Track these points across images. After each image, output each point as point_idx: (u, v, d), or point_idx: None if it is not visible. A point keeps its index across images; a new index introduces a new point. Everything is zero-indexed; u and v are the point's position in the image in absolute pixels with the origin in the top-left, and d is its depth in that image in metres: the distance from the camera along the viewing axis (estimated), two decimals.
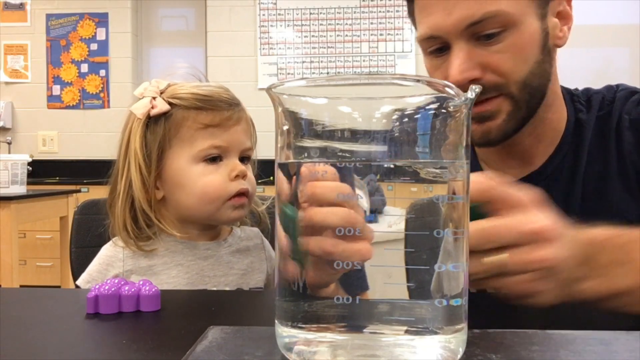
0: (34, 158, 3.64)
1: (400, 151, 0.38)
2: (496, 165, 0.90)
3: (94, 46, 4.03)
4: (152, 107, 0.87)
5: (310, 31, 3.93)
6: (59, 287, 3.07)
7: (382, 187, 0.37)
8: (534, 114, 0.81)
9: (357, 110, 0.39)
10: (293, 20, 3.94)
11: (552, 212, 0.52)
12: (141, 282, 0.63)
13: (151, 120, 0.88)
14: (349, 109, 0.39)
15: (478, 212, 0.49)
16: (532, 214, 0.52)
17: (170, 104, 0.87)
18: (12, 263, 2.46)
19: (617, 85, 0.88)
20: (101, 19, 4.02)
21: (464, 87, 0.39)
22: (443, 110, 0.38)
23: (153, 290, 0.62)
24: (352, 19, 3.86)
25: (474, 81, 0.74)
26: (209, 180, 0.85)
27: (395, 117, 0.38)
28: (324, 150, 0.38)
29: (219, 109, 0.86)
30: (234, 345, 0.42)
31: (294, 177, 0.39)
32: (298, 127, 0.40)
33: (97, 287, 0.61)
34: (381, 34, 3.87)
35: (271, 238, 1.00)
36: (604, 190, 0.81)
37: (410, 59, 3.86)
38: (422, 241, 0.37)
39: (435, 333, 0.37)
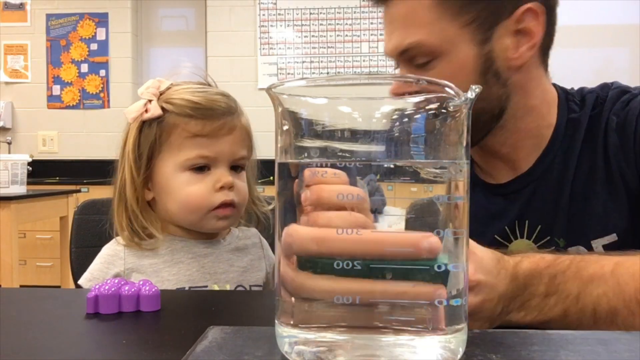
0: (34, 158, 3.64)
1: (400, 151, 0.38)
2: (487, 168, 0.90)
3: (94, 46, 4.03)
4: (146, 111, 0.87)
5: (310, 31, 3.93)
6: (59, 287, 3.07)
7: (382, 187, 0.37)
8: (483, 135, 0.83)
9: (357, 110, 0.39)
10: (293, 20, 3.94)
11: (477, 258, 0.55)
12: (141, 282, 0.63)
13: (146, 123, 0.88)
14: (349, 109, 0.39)
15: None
16: None
17: (163, 109, 0.87)
18: (12, 263, 2.46)
19: (612, 84, 0.87)
20: (101, 19, 4.02)
21: None
22: (443, 110, 0.38)
23: (153, 290, 0.62)
24: (352, 19, 3.86)
25: None
26: (192, 191, 0.86)
27: (395, 117, 0.38)
28: (324, 150, 0.38)
29: (210, 118, 0.85)
30: (234, 345, 0.42)
31: (294, 177, 0.39)
32: (298, 127, 0.40)
33: (97, 287, 0.61)
34: (381, 34, 3.87)
35: (272, 239, 1.00)
36: (591, 192, 0.81)
37: None
38: None
39: (435, 333, 0.37)
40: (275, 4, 3.94)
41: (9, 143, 3.93)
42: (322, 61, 3.93)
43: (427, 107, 0.38)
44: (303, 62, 3.94)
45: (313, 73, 3.91)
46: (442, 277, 0.37)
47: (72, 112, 4.04)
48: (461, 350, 0.39)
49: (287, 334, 0.39)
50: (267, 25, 3.95)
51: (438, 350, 0.37)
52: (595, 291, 0.58)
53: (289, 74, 3.92)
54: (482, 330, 0.47)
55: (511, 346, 0.42)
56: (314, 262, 0.37)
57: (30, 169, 3.05)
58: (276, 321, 0.40)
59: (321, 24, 3.92)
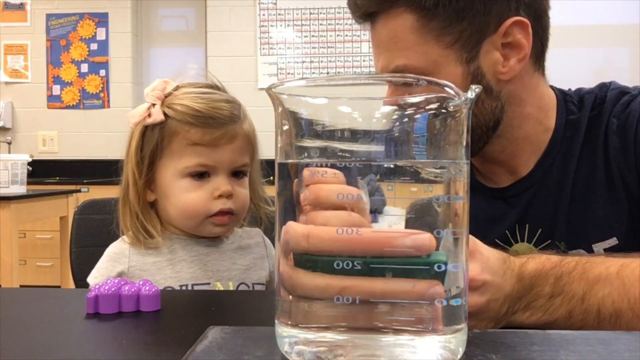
0: (34, 158, 3.64)
1: (400, 151, 0.38)
2: (487, 173, 0.90)
3: (94, 46, 4.03)
4: (149, 115, 0.88)
5: (310, 31, 3.93)
6: (59, 287, 3.07)
7: (382, 187, 0.37)
8: (480, 147, 0.83)
9: (357, 110, 0.39)
10: (293, 20, 3.94)
11: (483, 258, 0.55)
12: (141, 282, 0.63)
13: (149, 127, 0.88)
14: (349, 109, 0.39)
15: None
16: None
17: (165, 114, 0.87)
18: (12, 263, 2.46)
19: (610, 83, 0.87)
20: (101, 19, 4.02)
21: None
22: (443, 110, 0.38)
23: (153, 290, 0.62)
24: (352, 18, 3.85)
25: None
26: (191, 197, 0.86)
27: (395, 117, 0.38)
28: (324, 150, 0.38)
29: (210, 126, 0.85)
30: (234, 345, 0.42)
31: (294, 177, 0.39)
32: (298, 127, 0.40)
33: (97, 287, 0.61)
34: None
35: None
36: (591, 195, 0.81)
37: None
38: None
39: (435, 333, 0.37)
40: (275, 4, 3.94)
41: (9, 143, 3.93)
42: (322, 61, 3.93)
43: (427, 107, 0.38)
44: (303, 62, 3.94)
45: (313, 73, 3.91)
46: (441, 277, 0.37)
47: (72, 112, 4.04)
48: (461, 350, 0.39)
49: (287, 334, 0.39)
50: (267, 25, 3.95)
51: (438, 350, 0.37)
52: (600, 292, 0.58)
53: (289, 74, 3.92)
54: (482, 330, 0.47)
55: (511, 346, 0.42)
56: (313, 261, 0.37)
57: (30, 169, 3.05)
58: (276, 321, 0.40)
59: (321, 24, 3.92)
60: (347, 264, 0.36)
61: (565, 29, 3.61)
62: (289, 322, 0.39)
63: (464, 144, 0.40)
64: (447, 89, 0.38)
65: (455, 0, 0.76)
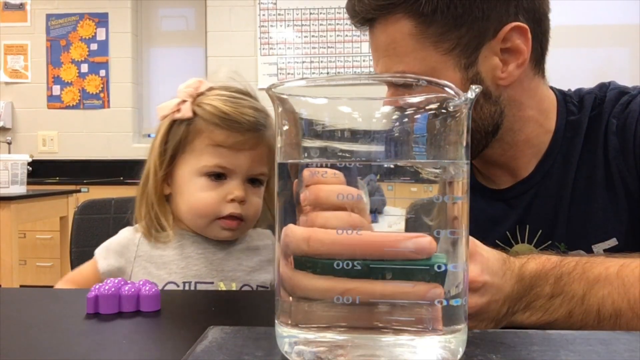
0: (34, 158, 3.64)
1: (400, 151, 0.38)
2: (487, 173, 0.90)
3: (94, 46, 4.03)
4: (178, 111, 0.89)
5: (310, 31, 3.93)
6: None
7: (382, 187, 0.37)
8: (479, 151, 0.83)
9: (357, 110, 0.39)
10: (293, 20, 3.94)
11: (483, 259, 0.55)
12: (141, 282, 0.63)
13: (176, 122, 0.90)
14: (349, 109, 0.39)
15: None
16: None
17: (194, 112, 0.89)
18: (12, 263, 2.46)
19: (609, 83, 0.86)
20: (101, 19, 4.02)
21: None
22: (443, 110, 0.38)
23: (153, 290, 0.62)
24: (349, 20, 3.85)
25: None
26: (203, 197, 0.87)
27: (395, 117, 0.38)
28: (324, 150, 0.38)
29: (234, 130, 0.87)
30: (234, 345, 0.42)
31: (294, 177, 0.39)
32: (298, 127, 0.40)
33: (97, 287, 0.61)
34: None
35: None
36: (591, 196, 0.81)
37: None
38: None
39: (435, 333, 0.37)
40: (275, 4, 3.94)
41: (9, 143, 3.93)
42: (322, 61, 3.93)
43: (427, 107, 0.38)
44: (303, 62, 3.94)
45: (313, 73, 3.91)
46: (441, 278, 0.37)
47: (72, 112, 4.04)
48: (461, 350, 0.39)
49: (287, 334, 0.39)
50: (267, 25, 3.95)
51: (438, 350, 0.37)
52: (600, 292, 0.58)
53: (289, 74, 3.92)
54: (482, 330, 0.47)
55: (511, 346, 0.42)
56: (313, 262, 0.37)
57: (30, 169, 3.05)
58: (276, 321, 0.40)
59: (321, 24, 3.92)
60: (347, 265, 0.36)
61: (565, 29, 3.61)
62: (289, 322, 0.39)
63: (464, 144, 0.40)
64: (447, 89, 0.38)
65: (454, 7, 0.75)
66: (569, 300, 0.58)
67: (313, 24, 3.93)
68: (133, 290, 0.62)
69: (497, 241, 0.86)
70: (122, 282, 0.62)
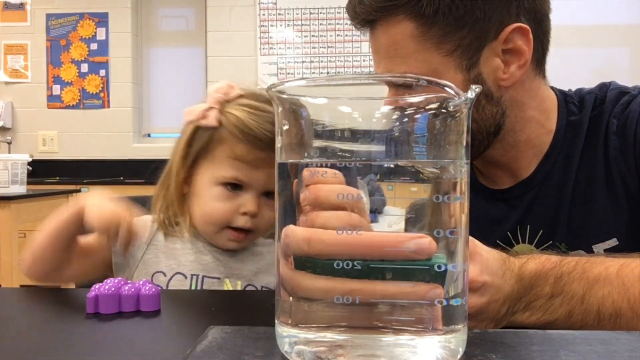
0: (34, 158, 3.64)
1: (400, 151, 0.38)
2: (488, 174, 0.90)
3: (94, 46, 4.03)
4: (204, 117, 0.89)
5: (310, 31, 3.93)
6: (59, 287, 3.07)
7: (382, 187, 0.37)
8: (481, 152, 0.82)
9: (357, 110, 0.39)
10: (293, 20, 3.94)
11: (482, 259, 0.55)
12: (141, 282, 0.63)
13: (202, 127, 0.90)
14: (349, 109, 0.39)
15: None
16: None
17: (219, 121, 0.89)
18: (12, 263, 2.46)
19: (610, 83, 0.86)
20: (101, 19, 4.02)
21: None
22: (443, 110, 0.38)
23: (153, 290, 0.62)
24: (350, 21, 3.85)
25: None
26: (217, 206, 0.89)
27: (395, 117, 0.38)
28: (324, 150, 0.38)
29: (256, 147, 0.87)
30: (234, 345, 0.42)
31: (294, 177, 0.39)
32: (298, 127, 0.40)
33: (97, 287, 0.61)
34: None
35: None
36: (592, 196, 0.81)
37: None
38: None
39: (435, 333, 0.37)
40: (275, 4, 3.94)
41: (9, 143, 3.92)
42: (322, 61, 3.93)
43: (427, 107, 0.38)
44: (303, 62, 3.94)
45: (313, 73, 3.91)
46: (441, 277, 0.37)
47: (72, 112, 4.04)
48: (461, 350, 0.39)
49: (287, 334, 0.39)
50: (267, 25, 3.95)
51: (438, 350, 0.37)
52: (600, 292, 0.58)
53: (289, 74, 3.92)
54: (482, 330, 0.47)
55: (511, 346, 0.42)
56: (313, 262, 0.37)
57: (30, 169, 3.05)
58: (276, 321, 0.40)
59: (321, 24, 3.92)
60: (347, 265, 0.36)
61: (565, 29, 3.61)
62: (289, 322, 0.39)
63: (464, 144, 0.40)
64: (447, 89, 0.38)
65: (455, 8, 0.75)
66: (569, 300, 0.58)
67: (313, 24, 3.93)
68: (133, 290, 0.62)
69: (497, 241, 0.86)
70: (122, 282, 0.62)
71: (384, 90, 0.42)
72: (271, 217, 0.92)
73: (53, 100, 4.05)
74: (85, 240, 0.88)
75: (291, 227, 0.38)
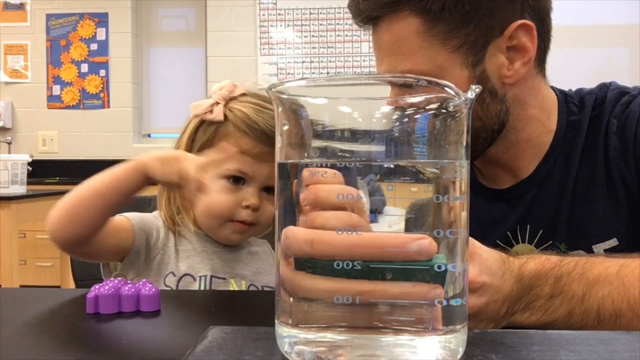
0: (34, 158, 3.63)
1: (400, 151, 0.38)
2: (488, 173, 0.90)
3: (94, 46, 4.03)
4: (210, 112, 0.91)
5: (310, 31, 3.93)
6: (59, 287, 3.07)
7: (382, 187, 0.37)
8: (484, 150, 0.82)
9: (357, 110, 0.39)
10: (293, 20, 3.94)
11: (481, 260, 0.55)
12: (141, 283, 0.63)
13: (205, 122, 0.92)
14: (349, 109, 0.39)
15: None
16: None
17: (225, 115, 0.91)
18: (12, 263, 2.46)
19: (610, 84, 0.86)
20: (101, 19, 4.02)
21: None
22: (443, 110, 0.38)
23: (153, 290, 0.62)
24: (352, 18, 3.85)
25: None
26: (219, 199, 0.89)
27: (395, 117, 0.38)
28: (324, 150, 0.38)
29: (261, 141, 0.88)
30: (234, 345, 0.42)
31: (294, 177, 0.39)
32: (298, 127, 0.40)
33: (97, 287, 0.61)
34: None
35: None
36: (592, 196, 0.81)
37: None
38: None
39: (435, 333, 0.37)
40: (275, 4, 3.94)
41: (9, 143, 3.92)
42: (322, 61, 3.93)
43: (427, 107, 0.38)
44: (303, 62, 3.94)
45: (313, 73, 3.91)
46: (441, 278, 0.37)
47: (72, 112, 4.04)
48: (461, 350, 0.39)
49: (287, 334, 0.39)
50: (267, 25, 3.95)
51: (438, 350, 0.37)
52: (600, 292, 0.58)
53: (289, 74, 3.92)
54: (482, 330, 0.47)
55: (511, 346, 0.42)
56: (313, 262, 0.37)
57: (30, 169, 3.05)
58: (276, 321, 0.40)
59: (321, 24, 3.92)
60: (347, 265, 0.36)
61: (565, 29, 3.60)
62: (289, 322, 0.39)
63: (464, 144, 0.40)
64: (447, 89, 0.38)
65: (461, 4, 0.75)
66: (569, 300, 0.58)
67: (313, 24, 3.93)
68: (133, 290, 0.62)
69: (497, 241, 0.86)
70: (122, 282, 0.63)
71: (384, 90, 0.42)
72: (271, 211, 0.93)
73: (53, 101, 4.05)
74: (118, 218, 0.86)
75: (292, 228, 0.38)
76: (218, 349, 0.41)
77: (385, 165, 0.37)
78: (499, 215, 0.88)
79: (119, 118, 3.97)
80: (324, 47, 3.92)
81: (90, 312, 0.60)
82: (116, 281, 0.62)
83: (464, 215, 0.39)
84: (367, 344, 0.37)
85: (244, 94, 0.93)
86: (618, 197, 0.79)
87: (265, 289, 0.94)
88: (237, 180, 0.90)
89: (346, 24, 3.88)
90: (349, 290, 0.36)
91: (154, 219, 0.93)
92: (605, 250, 0.80)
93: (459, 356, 0.38)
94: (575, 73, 3.08)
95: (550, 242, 0.84)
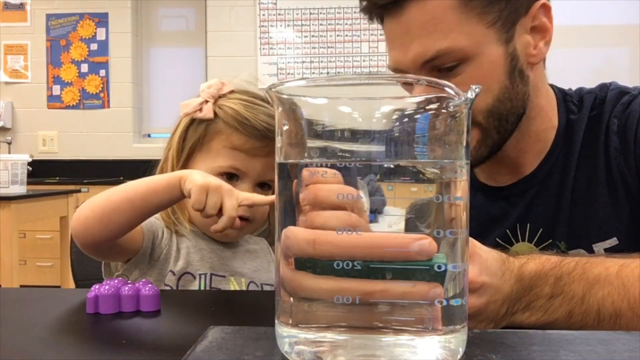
0: (34, 158, 3.64)
1: (400, 151, 0.38)
2: (489, 171, 0.90)
3: (94, 46, 4.03)
4: (200, 110, 0.91)
5: (310, 31, 3.93)
6: (59, 287, 3.07)
7: (382, 187, 0.37)
8: (508, 137, 0.81)
9: (357, 110, 0.39)
10: (293, 20, 3.94)
11: (481, 260, 0.55)
12: (141, 283, 0.63)
13: (196, 121, 0.92)
14: (349, 109, 0.39)
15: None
16: None
17: (215, 113, 0.91)
18: (12, 263, 2.46)
19: (610, 84, 0.87)
20: (101, 19, 4.02)
21: None
22: (443, 110, 0.38)
23: (153, 290, 0.62)
24: (352, 19, 3.85)
25: None
26: None
27: (395, 117, 0.38)
28: (324, 150, 0.38)
29: (252, 136, 0.89)
30: (234, 345, 0.42)
31: (294, 177, 0.39)
32: (298, 127, 0.40)
33: (97, 287, 0.61)
34: (381, 34, 3.87)
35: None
36: (592, 195, 0.81)
37: None
38: None
39: (435, 333, 0.37)
40: (275, 4, 3.94)
41: (9, 143, 3.92)
42: (322, 61, 3.93)
43: (427, 107, 0.38)
44: (303, 62, 3.94)
45: (313, 73, 3.91)
46: (441, 278, 0.37)
47: (72, 112, 4.04)
48: (461, 350, 0.39)
49: (287, 334, 0.39)
50: (267, 25, 3.95)
51: (438, 350, 0.37)
52: (600, 292, 0.58)
53: (289, 74, 3.92)
54: (482, 330, 0.47)
55: (511, 346, 0.42)
56: (313, 262, 0.37)
57: (30, 169, 3.05)
58: (276, 321, 0.40)
59: (321, 24, 3.92)
60: (347, 265, 0.36)
61: (565, 29, 3.61)
62: (289, 322, 0.39)
63: (464, 144, 0.40)
64: (447, 89, 0.38)
65: None
66: (569, 300, 0.58)
67: (313, 24, 3.93)
68: (133, 290, 0.62)
69: (497, 239, 0.86)
70: (122, 282, 0.63)
71: (384, 90, 0.42)
72: (265, 207, 0.93)
73: (53, 101, 4.05)
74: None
75: (292, 228, 0.38)
76: (218, 349, 0.41)
77: (385, 165, 0.37)
78: (499, 213, 0.88)
79: (119, 118, 3.98)
80: (324, 47, 3.92)
81: (90, 312, 0.60)
82: (116, 281, 0.62)
83: (464, 215, 0.39)
84: (367, 344, 0.37)
85: (232, 91, 0.94)
86: (618, 197, 0.79)
87: (264, 286, 0.94)
88: (230, 176, 0.89)
89: (346, 24, 3.88)
90: (349, 290, 0.36)
91: (157, 219, 0.93)
92: (605, 250, 0.80)
93: (459, 356, 0.38)
94: (575, 73, 3.08)
95: (550, 240, 0.84)
